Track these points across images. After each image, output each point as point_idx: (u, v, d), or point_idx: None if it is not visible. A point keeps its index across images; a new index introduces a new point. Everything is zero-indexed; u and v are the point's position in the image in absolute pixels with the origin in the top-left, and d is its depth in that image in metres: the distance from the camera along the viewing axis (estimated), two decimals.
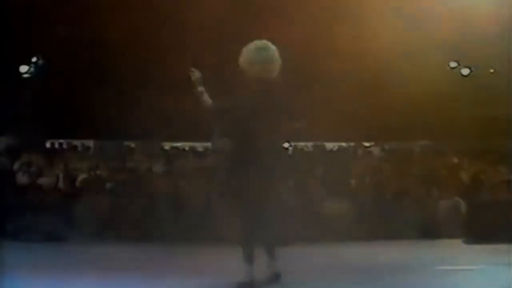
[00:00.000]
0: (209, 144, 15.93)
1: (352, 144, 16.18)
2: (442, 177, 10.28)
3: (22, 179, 10.07)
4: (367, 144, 16.13)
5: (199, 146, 15.78)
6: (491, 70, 15.37)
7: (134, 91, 14.52)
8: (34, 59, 14.92)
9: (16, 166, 10.58)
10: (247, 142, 4.61)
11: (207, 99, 4.77)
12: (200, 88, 4.80)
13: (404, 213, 9.13)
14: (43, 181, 9.86)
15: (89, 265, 6.03)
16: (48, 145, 16.37)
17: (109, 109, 14.82)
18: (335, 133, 14.69)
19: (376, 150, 15.98)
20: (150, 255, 7.31)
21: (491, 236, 8.04)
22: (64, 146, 16.07)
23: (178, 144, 16.23)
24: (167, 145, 16.16)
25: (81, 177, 10.40)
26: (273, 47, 4.80)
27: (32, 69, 15.14)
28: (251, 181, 4.59)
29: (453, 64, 15.57)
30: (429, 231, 9.19)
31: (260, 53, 4.74)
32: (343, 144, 16.30)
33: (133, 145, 15.90)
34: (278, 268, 4.72)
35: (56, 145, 16.29)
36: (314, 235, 8.78)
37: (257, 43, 4.81)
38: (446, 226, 9.09)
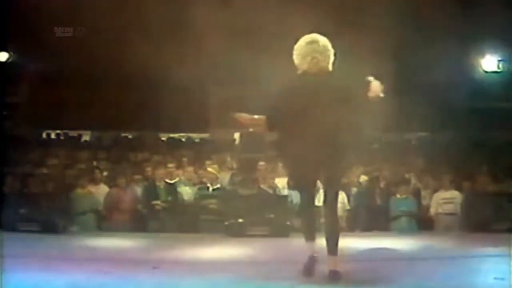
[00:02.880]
0: (205, 135, 15.98)
1: None
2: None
3: (19, 170, 10.05)
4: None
5: (196, 136, 15.79)
6: None
7: (132, 83, 14.49)
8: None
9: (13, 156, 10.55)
10: (300, 135, 4.58)
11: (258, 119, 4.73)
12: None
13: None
14: (40, 171, 9.83)
15: (87, 255, 6.04)
16: (44, 135, 16.33)
17: (106, 100, 14.79)
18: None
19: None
20: (147, 244, 7.32)
21: (488, 226, 8.08)
22: (61, 137, 16.04)
23: (175, 135, 16.20)
24: (164, 136, 16.15)
25: (78, 167, 10.39)
26: (323, 39, 4.79)
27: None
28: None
29: None
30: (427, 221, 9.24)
31: (308, 47, 4.74)
32: None
33: (130, 136, 15.88)
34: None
35: (53, 136, 16.25)
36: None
37: (306, 37, 4.80)
38: (444, 216, 9.12)
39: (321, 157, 4.56)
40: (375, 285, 4.55)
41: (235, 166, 10.73)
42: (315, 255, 4.86)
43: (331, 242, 4.74)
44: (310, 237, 5.00)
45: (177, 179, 9.53)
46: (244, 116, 4.73)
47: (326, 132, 4.51)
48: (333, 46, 4.82)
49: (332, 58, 4.80)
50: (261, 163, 9.72)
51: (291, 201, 8.76)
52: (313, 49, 4.73)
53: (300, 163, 4.69)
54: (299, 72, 4.78)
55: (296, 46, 4.81)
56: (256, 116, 4.72)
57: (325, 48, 4.76)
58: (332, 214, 4.96)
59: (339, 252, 4.73)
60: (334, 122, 4.52)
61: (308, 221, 5.15)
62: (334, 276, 4.59)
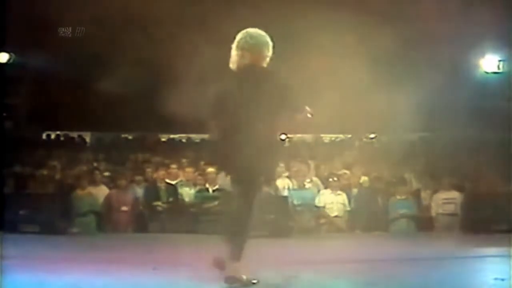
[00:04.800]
0: (206, 136, 15.97)
1: (349, 136, 16.20)
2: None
3: (20, 171, 10.06)
4: (371, 135, 16.19)
5: (196, 137, 15.78)
6: None
7: (131, 83, 14.48)
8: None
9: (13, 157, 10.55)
10: (233, 133, 4.37)
11: None
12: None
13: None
14: (41, 172, 9.82)
15: (87, 256, 6.04)
16: (44, 136, 16.34)
17: (106, 101, 14.79)
18: (334, 125, 14.70)
19: (373, 142, 16.00)
20: (147, 245, 7.33)
21: (488, 226, 8.07)
22: (61, 138, 16.05)
23: (176, 136, 16.22)
24: (164, 137, 16.16)
25: (79, 168, 10.38)
26: (263, 34, 4.60)
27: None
28: (236, 174, 4.46)
29: None
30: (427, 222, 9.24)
31: (248, 40, 4.55)
32: (341, 135, 16.34)
33: (130, 137, 15.89)
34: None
35: (53, 137, 16.26)
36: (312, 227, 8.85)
37: (246, 30, 4.62)
38: (444, 217, 9.11)
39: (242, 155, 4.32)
40: (375, 285, 4.54)
41: None
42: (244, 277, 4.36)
43: (235, 245, 4.36)
44: (239, 255, 4.37)
45: (178, 180, 9.54)
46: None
47: (249, 131, 4.34)
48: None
49: (267, 54, 4.59)
50: None
51: (292, 202, 8.78)
52: (245, 44, 4.55)
53: (228, 160, 4.46)
54: (231, 68, 4.59)
55: (235, 41, 4.62)
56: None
57: (257, 44, 4.57)
58: (243, 215, 4.45)
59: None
60: (257, 121, 4.35)
61: (242, 232, 4.44)
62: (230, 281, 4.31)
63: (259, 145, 4.32)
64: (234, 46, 4.59)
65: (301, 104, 4.59)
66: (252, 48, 4.54)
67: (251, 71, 4.50)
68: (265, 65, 4.58)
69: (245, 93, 4.39)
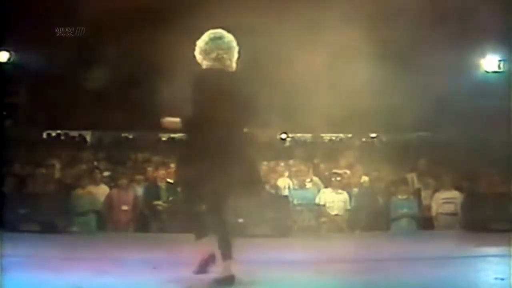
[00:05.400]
0: None
1: (349, 135, 16.24)
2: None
3: (19, 170, 10.05)
4: (372, 135, 16.22)
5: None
6: None
7: (132, 82, 14.50)
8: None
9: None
10: (203, 136, 4.36)
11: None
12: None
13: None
14: (41, 171, 9.82)
15: (87, 255, 6.04)
16: (44, 135, 16.36)
17: (107, 100, 14.81)
18: (335, 125, 14.72)
19: (374, 141, 16.02)
20: (147, 244, 7.32)
21: (488, 226, 8.06)
22: (62, 137, 16.07)
23: (176, 135, 16.21)
24: (164, 136, 16.17)
25: (79, 167, 10.38)
26: (228, 36, 4.64)
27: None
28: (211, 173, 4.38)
29: None
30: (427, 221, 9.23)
31: (213, 43, 4.58)
32: (341, 135, 16.37)
33: (130, 136, 15.91)
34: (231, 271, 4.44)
35: (53, 136, 16.29)
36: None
37: (210, 32, 4.64)
38: (445, 216, 9.11)
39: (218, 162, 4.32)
40: (375, 285, 4.54)
41: None
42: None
43: (228, 245, 4.48)
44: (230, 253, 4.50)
45: None
46: (166, 120, 4.57)
47: (227, 133, 4.37)
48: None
49: (236, 56, 4.64)
50: (264, 162, 9.72)
51: (292, 202, 8.78)
52: (218, 45, 4.57)
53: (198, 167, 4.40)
54: (204, 67, 4.59)
55: (199, 41, 4.65)
56: (172, 119, 4.54)
57: (230, 46, 4.60)
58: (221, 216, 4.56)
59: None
60: (233, 123, 4.40)
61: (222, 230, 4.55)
62: (231, 280, 4.42)
63: (232, 146, 4.34)
64: (197, 51, 4.61)
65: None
66: (227, 52, 4.56)
67: (221, 74, 4.50)
68: (231, 66, 4.59)
69: (214, 98, 4.35)
